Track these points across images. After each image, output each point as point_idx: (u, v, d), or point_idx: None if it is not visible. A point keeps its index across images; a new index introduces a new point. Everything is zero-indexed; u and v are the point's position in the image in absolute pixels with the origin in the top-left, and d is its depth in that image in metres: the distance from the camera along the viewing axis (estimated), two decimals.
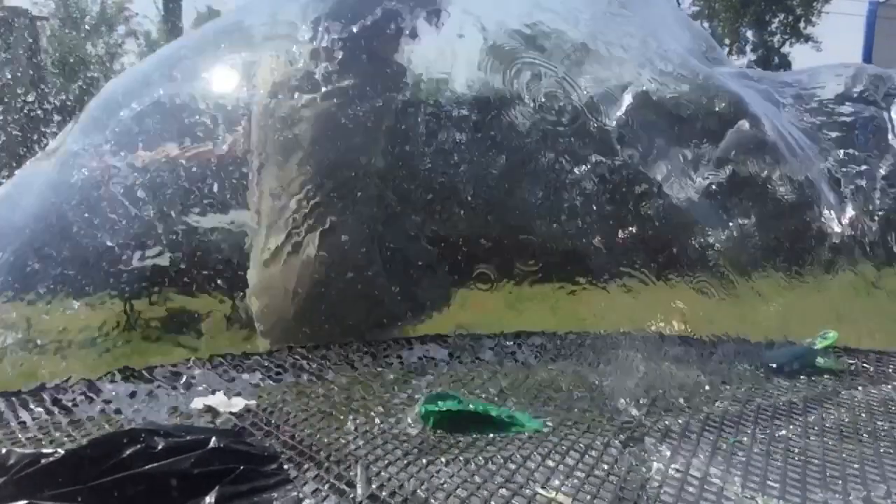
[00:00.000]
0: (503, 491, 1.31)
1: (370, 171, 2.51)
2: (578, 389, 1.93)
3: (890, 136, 2.80)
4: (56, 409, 1.70)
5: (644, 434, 1.61)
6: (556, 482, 1.35)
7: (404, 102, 2.58)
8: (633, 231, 2.62)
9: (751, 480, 1.39)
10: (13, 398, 1.76)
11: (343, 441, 1.53)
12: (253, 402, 1.76)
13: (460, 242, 2.64)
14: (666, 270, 2.50)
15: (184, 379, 1.94)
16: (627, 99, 2.57)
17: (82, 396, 1.79)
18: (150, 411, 1.72)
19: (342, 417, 1.67)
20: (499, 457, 1.46)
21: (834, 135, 2.76)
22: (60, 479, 1.18)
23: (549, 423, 1.65)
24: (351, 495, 1.29)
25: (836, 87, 2.84)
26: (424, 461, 1.43)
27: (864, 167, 2.70)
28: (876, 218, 2.63)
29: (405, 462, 1.43)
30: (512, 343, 2.37)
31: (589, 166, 2.50)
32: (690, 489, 1.34)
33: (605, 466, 1.43)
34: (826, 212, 2.58)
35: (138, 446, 1.24)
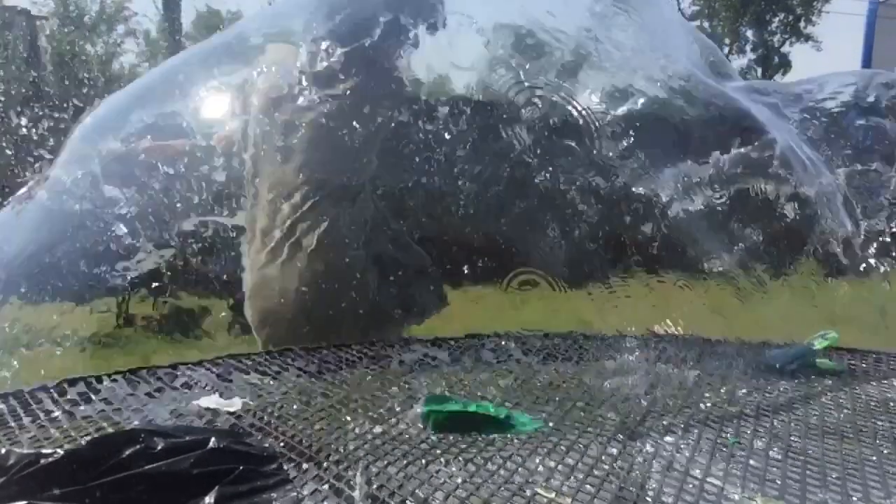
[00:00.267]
0: (503, 491, 1.31)
1: (366, 175, 2.52)
2: (578, 389, 1.93)
3: None
4: (56, 410, 1.69)
5: (644, 434, 1.61)
6: (556, 482, 1.35)
7: (402, 110, 2.59)
8: (635, 238, 2.62)
9: (751, 480, 1.39)
10: (12, 398, 1.76)
11: (343, 441, 1.53)
12: (253, 403, 1.76)
13: (454, 249, 2.65)
14: (666, 271, 2.50)
15: (183, 379, 1.94)
16: (629, 110, 2.57)
17: (82, 396, 1.79)
18: (150, 411, 1.71)
19: (342, 418, 1.67)
20: (499, 457, 1.45)
21: (844, 145, 2.74)
22: (60, 480, 1.17)
23: (550, 424, 1.65)
24: (351, 496, 1.28)
25: (846, 97, 2.82)
26: (424, 461, 1.43)
27: (873, 178, 2.68)
28: (886, 230, 2.61)
29: (405, 462, 1.42)
30: (512, 343, 2.37)
31: (590, 175, 2.50)
32: (690, 489, 1.34)
33: (605, 466, 1.42)
34: (836, 226, 2.57)
35: (137, 446, 1.23)
